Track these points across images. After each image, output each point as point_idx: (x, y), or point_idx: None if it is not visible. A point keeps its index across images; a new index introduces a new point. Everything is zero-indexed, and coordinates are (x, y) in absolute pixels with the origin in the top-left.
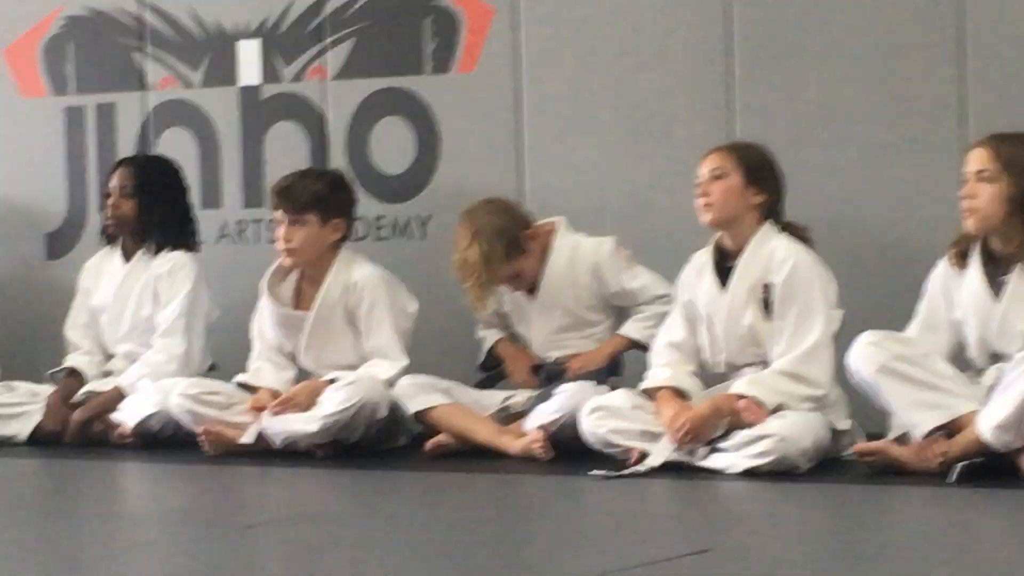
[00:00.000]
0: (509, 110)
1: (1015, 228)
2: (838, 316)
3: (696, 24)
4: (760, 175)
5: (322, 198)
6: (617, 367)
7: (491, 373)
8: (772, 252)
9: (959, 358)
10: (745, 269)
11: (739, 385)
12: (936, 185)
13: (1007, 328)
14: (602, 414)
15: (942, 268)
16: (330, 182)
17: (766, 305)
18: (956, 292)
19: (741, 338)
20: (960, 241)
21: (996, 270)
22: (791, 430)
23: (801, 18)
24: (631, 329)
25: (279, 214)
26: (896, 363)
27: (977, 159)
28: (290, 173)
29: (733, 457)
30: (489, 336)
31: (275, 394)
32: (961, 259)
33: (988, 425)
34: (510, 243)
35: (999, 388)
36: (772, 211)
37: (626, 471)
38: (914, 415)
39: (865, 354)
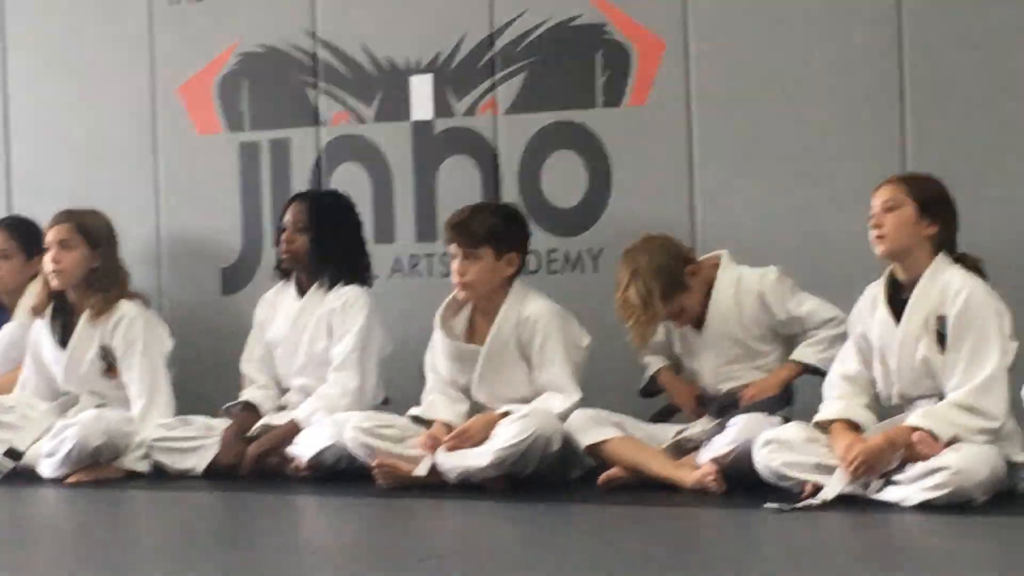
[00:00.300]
0: (680, 143)
1: None
2: (1013, 348)
3: (868, 56)
4: (933, 206)
5: (497, 232)
6: (790, 396)
7: (663, 409)
8: (946, 284)
9: None
10: (919, 301)
11: (914, 418)
12: None
13: None
14: (775, 447)
15: None
16: (504, 216)
17: (940, 337)
18: None
19: (915, 370)
20: None
21: None
22: (966, 463)
23: (974, 48)
24: (803, 354)
25: (453, 248)
26: None
27: None
28: (464, 207)
29: (908, 490)
30: (653, 362)
31: (449, 427)
32: None
33: None
34: (670, 281)
35: None
36: (945, 243)
37: (800, 504)
38: None
39: None
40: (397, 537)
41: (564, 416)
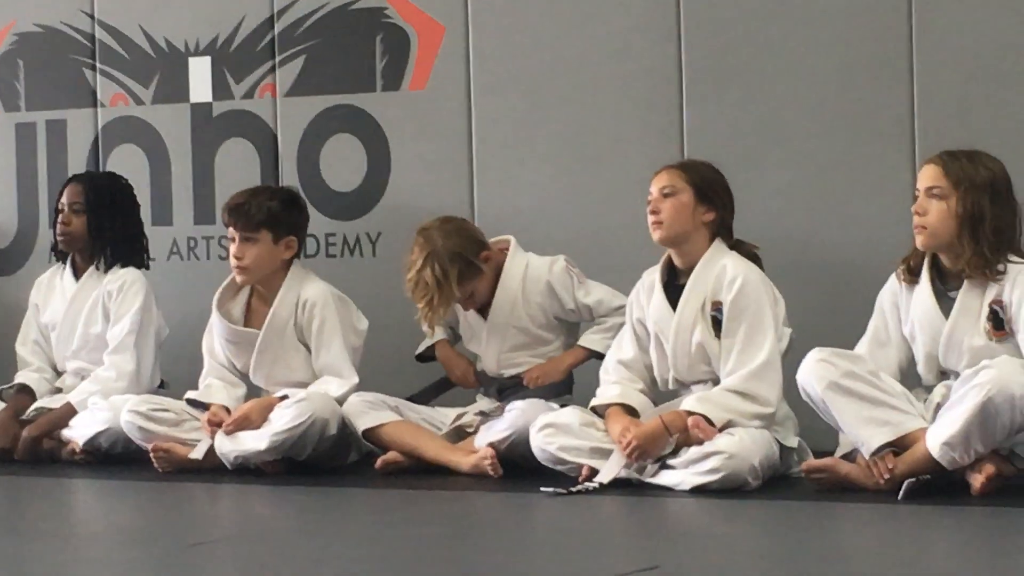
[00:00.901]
0: (460, 128)
1: (964, 245)
2: (787, 334)
3: (647, 43)
4: (710, 193)
5: (275, 216)
6: (570, 382)
7: (436, 383)
8: (722, 270)
9: (909, 374)
10: (695, 287)
11: (688, 402)
12: (886, 202)
13: (955, 344)
14: (552, 431)
15: (892, 284)
16: (282, 199)
17: (716, 323)
18: (906, 308)
19: (690, 356)
20: (910, 257)
21: (945, 286)
22: (740, 447)
23: (750, 38)
24: (590, 340)
25: (231, 231)
26: (845, 380)
27: (928, 176)
28: (242, 190)
29: (682, 474)
30: (436, 333)
31: (227, 411)
32: (911, 275)
33: (936, 442)
34: (465, 266)
35: (947, 405)
36: (722, 229)
37: (576, 488)
38: (863, 432)
39: (815, 371)
40: (171, 521)
41: (341, 400)
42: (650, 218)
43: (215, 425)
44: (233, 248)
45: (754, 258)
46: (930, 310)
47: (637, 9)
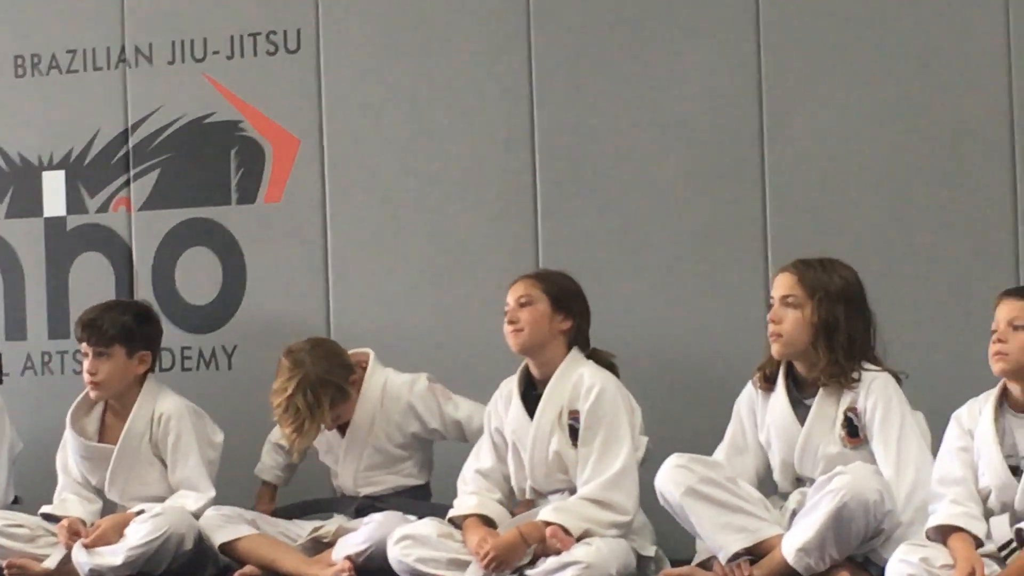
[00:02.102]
0: (315, 240)
1: (819, 353)
2: (643, 443)
3: (502, 153)
4: (566, 301)
5: (128, 330)
6: (429, 494)
7: (306, 502)
8: (579, 379)
9: (766, 481)
10: (552, 396)
11: (545, 512)
12: (741, 310)
13: (810, 451)
14: (409, 543)
15: (748, 391)
16: (136, 314)
17: (572, 432)
18: (762, 415)
19: (548, 464)
20: (766, 365)
21: (801, 394)
22: (597, 557)
23: (604, 148)
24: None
25: (84, 347)
26: (703, 486)
27: (783, 284)
28: (95, 305)
29: None
30: (266, 468)
31: (84, 523)
32: (767, 382)
33: (791, 548)
34: (336, 391)
35: (802, 512)
36: (579, 338)
37: None
38: (719, 538)
39: (672, 476)
40: None
41: (198, 514)
42: (507, 328)
43: (73, 534)
44: (87, 364)
45: (610, 367)
46: (786, 417)
47: (492, 119)
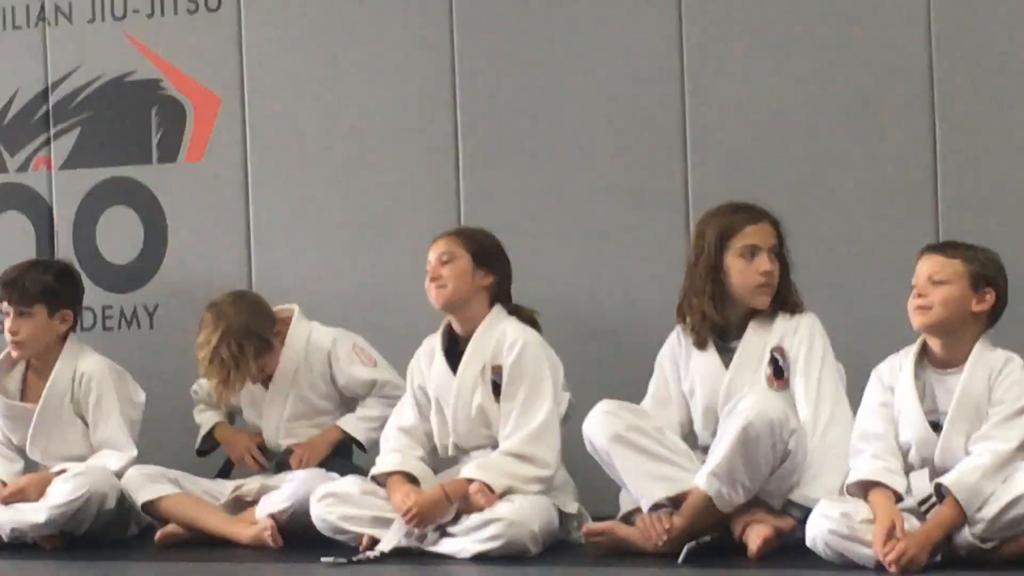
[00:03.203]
0: (237, 199)
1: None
2: (566, 399)
3: (424, 111)
4: (488, 258)
5: (50, 289)
6: (348, 451)
7: (224, 465)
8: (502, 335)
9: (690, 433)
10: (474, 351)
11: (468, 469)
12: (662, 266)
13: (733, 394)
14: (332, 501)
15: (671, 342)
16: (57, 273)
17: (495, 387)
18: (685, 365)
19: (471, 420)
20: (698, 326)
21: (727, 342)
22: (519, 514)
23: (526, 105)
24: (347, 422)
25: (5, 306)
26: (630, 433)
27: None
28: (16, 264)
29: (463, 542)
30: (207, 419)
31: (3, 484)
32: (699, 341)
33: (703, 474)
34: (260, 342)
35: (714, 441)
36: (501, 294)
37: (357, 557)
38: (642, 485)
39: (600, 422)
40: None
41: (120, 473)
42: (429, 284)
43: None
44: (8, 323)
45: (533, 323)
46: (712, 363)
47: (414, 77)
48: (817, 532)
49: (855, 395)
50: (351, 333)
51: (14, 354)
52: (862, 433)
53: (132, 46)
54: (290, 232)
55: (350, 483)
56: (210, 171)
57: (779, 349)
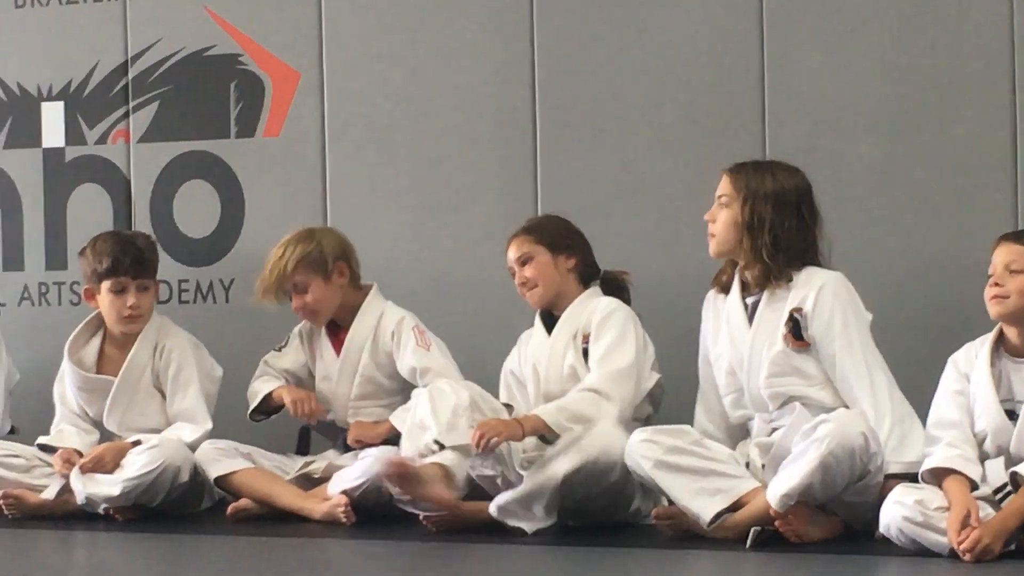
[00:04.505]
0: (314, 174)
1: (744, 251)
2: (655, 378)
3: (502, 92)
4: (562, 242)
5: (156, 263)
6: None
7: (301, 441)
8: (595, 307)
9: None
10: (568, 318)
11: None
12: None
13: (756, 353)
14: None
15: (705, 303)
16: (154, 245)
17: (585, 354)
18: (716, 322)
19: (562, 380)
20: (722, 270)
21: (748, 295)
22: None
23: (603, 85)
24: (396, 417)
25: (122, 280)
26: (670, 456)
27: (720, 185)
28: (118, 238)
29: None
30: (266, 385)
31: (80, 455)
32: (723, 288)
33: (776, 494)
34: (317, 260)
35: (789, 459)
36: (586, 267)
37: None
38: (695, 504)
39: (640, 452)
40: (21, 569)
41: (194, 446)
42: (521, 290)
43: (68, 463)
44: (129, 298)
45: (621, 290)
46: (738, 317)
47: (492, 58)
48: (891, 519)
49: (930, 384)
50: (415, 317)
51: (130, 328)
52: (937, 421)
53: (212, 20)
54: (366, 210)
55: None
56: (287, 146)
57: (798, 310)
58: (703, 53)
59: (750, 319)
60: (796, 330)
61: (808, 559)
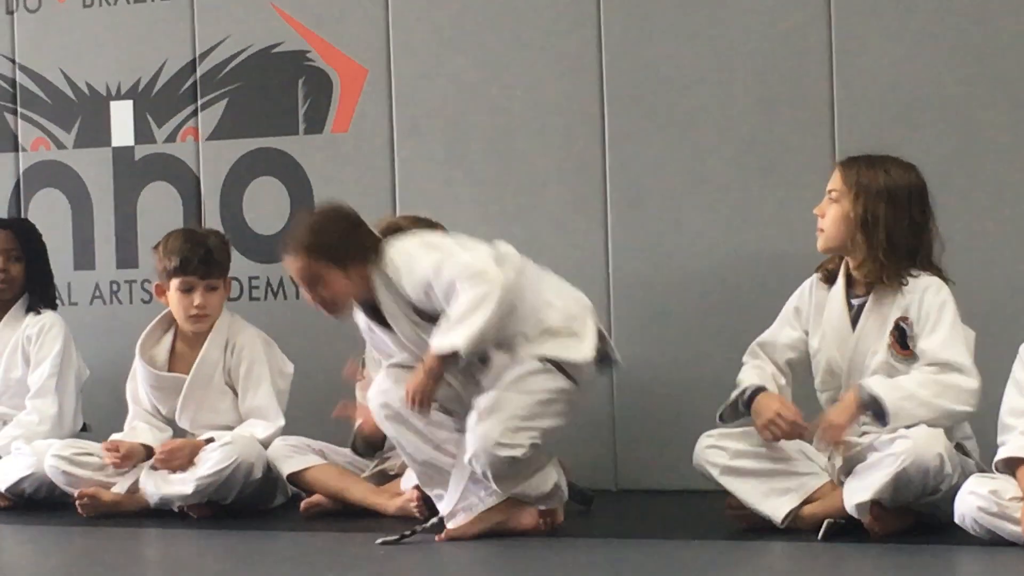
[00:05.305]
0: (383, 170)
1: (856, 249)
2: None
3: (570, 84)
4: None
5: (228, 261)
6: None
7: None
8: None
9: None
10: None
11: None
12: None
13: (859, 357)
14: None
15: (802, 290)
16: (225, 243)
17: (900, 334)
18: (816, 316)
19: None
20: (828, 261)
21: (854, 292)
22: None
23: (671, 75)
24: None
25: (190, 280)
26: (736, 461)
27: (831, 179)
28: (187, 236)
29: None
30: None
31: (148, 449)
32: (828, 279)
33: (851, 502)
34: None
35: (864, 465)
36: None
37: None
38: (769, 504)
39: (707, 458)
40: (96, 567)
41: (267, 443)
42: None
43: (113, 451)
44: (197, 298)
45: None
46: (840, 315)
47: (559, 49)
48: (966, 509)
49: (1003, 372)
50: None
51: (198, 328)
52: (1011, 409)
53: (279, 17)
54: (435, 204)
55: None
56: (356, 142)
57: (904, 319)
58: (771, 42)
59: (853, 322)
60: (902, 339)
61: (883, 550)
